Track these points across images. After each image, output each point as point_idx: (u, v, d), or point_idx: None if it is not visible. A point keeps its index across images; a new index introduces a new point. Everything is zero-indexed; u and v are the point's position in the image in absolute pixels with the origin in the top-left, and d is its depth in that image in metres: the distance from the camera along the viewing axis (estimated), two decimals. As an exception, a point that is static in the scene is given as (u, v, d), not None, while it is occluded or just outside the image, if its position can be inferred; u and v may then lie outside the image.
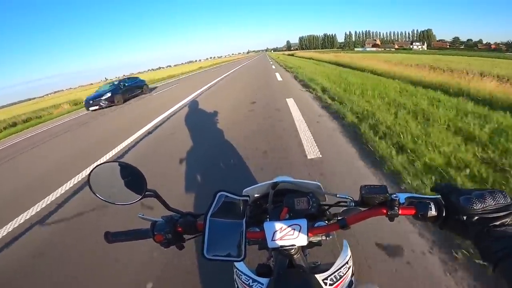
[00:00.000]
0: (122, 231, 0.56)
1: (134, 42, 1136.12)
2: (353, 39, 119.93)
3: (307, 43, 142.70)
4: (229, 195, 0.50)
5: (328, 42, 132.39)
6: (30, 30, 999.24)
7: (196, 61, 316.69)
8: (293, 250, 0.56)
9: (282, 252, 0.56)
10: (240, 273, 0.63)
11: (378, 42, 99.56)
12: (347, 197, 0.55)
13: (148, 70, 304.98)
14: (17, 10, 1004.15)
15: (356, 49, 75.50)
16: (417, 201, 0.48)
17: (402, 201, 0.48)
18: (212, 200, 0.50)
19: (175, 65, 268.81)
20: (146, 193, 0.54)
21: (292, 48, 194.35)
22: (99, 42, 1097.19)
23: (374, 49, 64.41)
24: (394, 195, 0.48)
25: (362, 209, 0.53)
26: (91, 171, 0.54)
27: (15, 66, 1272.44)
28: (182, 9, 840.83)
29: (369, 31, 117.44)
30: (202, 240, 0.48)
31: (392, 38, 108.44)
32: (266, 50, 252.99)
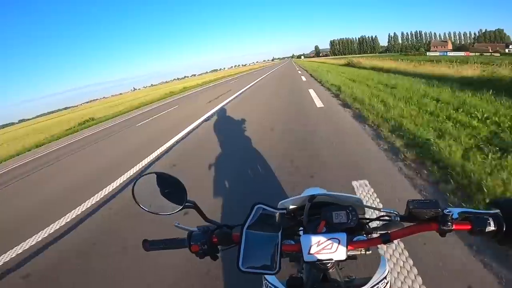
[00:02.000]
0: (159, 240, 0.57)
1: (160, 52, 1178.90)
2: (399, 41, 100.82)
3: (340, 47, 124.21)
4: (266, 207, 0.51)
5: (367, 45, 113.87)
6: (65, 43, 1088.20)
7: (220, 69, 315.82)
8: (329, 264, 0.55)
9: (317, 265, 0.55)
10: (270, 285, 0.62)
11: (449, 45, 79.37)
12: (391, 211, 0.53)
13: (174, 80, 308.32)
14: (50, 24, 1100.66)
15: (429, 53, 57.33)
16: (473, 216, 0.46)
17: (455, 216, 0.46)
18: (249, 212, 0.50)
19: (199, 74, 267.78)
20: (186, 204, 0.56)
21: (321, 54, 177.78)
22: (127, 53, 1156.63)
23: (461, 53, 46.47)
24: (447, 210, 0.46)
25: (406, 224, 0.51)
26: (135, 182, 0.56)
27: (52, 77, 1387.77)
28: (207, 19, 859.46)
29: (420, 32, 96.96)
30: (238, 252, 0.48)
31: (453, 40, 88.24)
32: (292, 56, 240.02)
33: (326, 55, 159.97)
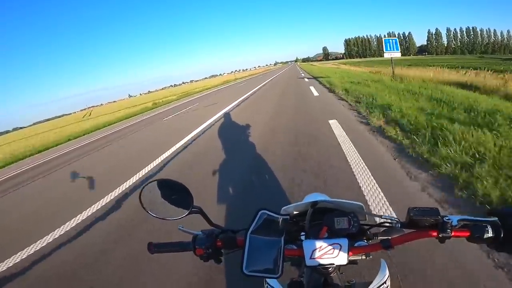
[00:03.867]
0: (164, 243, 0.59)
1: (159, 58, 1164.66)
2: (444, 40, 77.43)
3: (358, 48, 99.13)
4: (270, 213, 0.52)
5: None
6: (60, 49, 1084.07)
7: (219, 74, 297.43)
8: (330, 269, 0.56)
9: (319, 270, 0.56)
10: None
11: None
12: (392, 218, 0.54)
13: (170, 86, 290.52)
14: (50, 30, 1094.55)
15: None
16: (472, 223, 0.47)
17: (454, 223, 0.48)
18: (254, 218, 0.52)
19: (196, 81, 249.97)
20: (192, 209, 0.58)
21: (330, 57, 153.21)
22: (123, 60, 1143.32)
23: None
24: (447, 218, 0.47)
25: (406, 230, 0.53)
26: (142, 188, 0.58)
27: (48, 85, 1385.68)
28: (207, 23, 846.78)
29: (474, 28, 71.03)
30: (242, 256, 0.49)
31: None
32: (296, 60, 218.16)
33: (337, 58, 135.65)
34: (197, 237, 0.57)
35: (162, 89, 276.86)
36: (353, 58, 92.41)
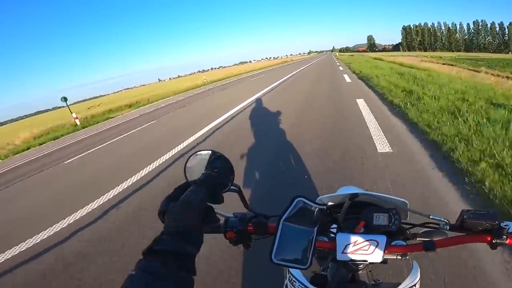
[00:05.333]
0: None
1: (187, 43, 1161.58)
2: None
3: (421, 37, 79.54)
4: (306, 201, 0.50)
5: (486, 39, 65.86)
6: (90, 34, 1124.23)
7: (248, 61, 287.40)
8: (361, 265, 0.54)
9: (348, 266, 0.54)
10: (294, 280, 0.61)
11: None
12: (441, 219, 0.50)
13: (198, 72, 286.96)
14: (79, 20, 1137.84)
15: None
16: None
17: (511, 230, 0.44)
18: (289, 205, 0.50)
19: (224, 67, 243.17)
20: (231, 187, 0.54)
21: (376, 48, 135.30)
22: (154, 44, 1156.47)
23: None
24: (504, 223, 0.43)
25: (450, 233, 0.49)
26: (189, 157, 0.56)
27: (85, 68, 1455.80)
28: (239, 8, 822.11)
29: None
30: (272, 244, 0.47)
31: None
32: (332, 50, 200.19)
33: (384, 50, 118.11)
34: (229, 219, 0.54)
35: (191, 74, 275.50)
36: (414, 50, 77.40)
